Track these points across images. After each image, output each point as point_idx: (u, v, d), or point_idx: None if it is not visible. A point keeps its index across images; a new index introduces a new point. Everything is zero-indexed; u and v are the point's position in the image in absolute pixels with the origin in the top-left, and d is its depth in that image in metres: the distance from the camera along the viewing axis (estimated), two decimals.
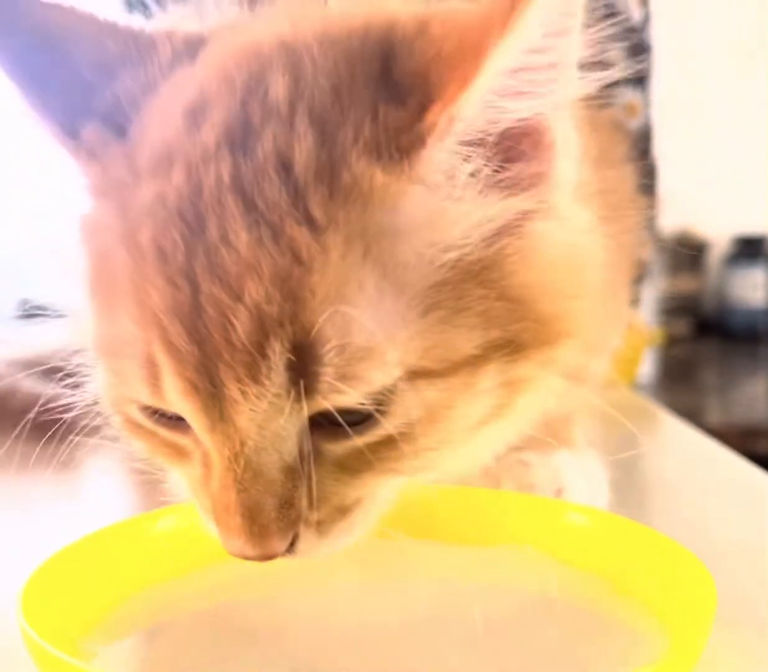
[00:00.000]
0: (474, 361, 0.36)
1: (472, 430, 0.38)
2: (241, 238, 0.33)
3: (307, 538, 0.36)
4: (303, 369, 0.33)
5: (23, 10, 0.40)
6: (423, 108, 0.34)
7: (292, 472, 0.35)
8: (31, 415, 0.43)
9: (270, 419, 0.34)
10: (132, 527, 0.43)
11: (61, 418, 0.41)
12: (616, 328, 0.58)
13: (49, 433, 0.42)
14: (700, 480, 0.62)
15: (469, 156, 0.35)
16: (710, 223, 1.96)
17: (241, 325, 0.33)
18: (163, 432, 0.38)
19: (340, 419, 0.34)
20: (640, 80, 0.76)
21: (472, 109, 0.34)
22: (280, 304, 0.33)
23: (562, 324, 0.38)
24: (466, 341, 0.35)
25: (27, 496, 0.55)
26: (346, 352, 0.33)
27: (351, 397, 0.34)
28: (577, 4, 0.33)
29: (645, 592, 0.40)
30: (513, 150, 0.36)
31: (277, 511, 0.35)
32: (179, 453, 0.38)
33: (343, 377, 0.34)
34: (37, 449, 0.41)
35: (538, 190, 0.37)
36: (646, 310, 1.04)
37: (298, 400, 0.34)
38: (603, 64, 0.36)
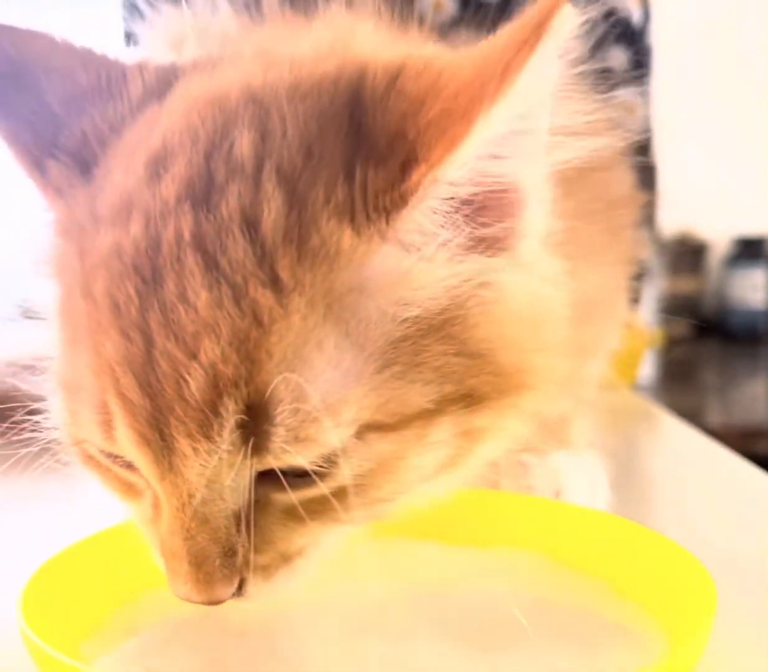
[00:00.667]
0: (427, 415, 0.35)
1: (426, 480, 0.37)
2: (201, 297, 0.33)
3: (254, 583, 0.36)
4: (255, 428, 0.33)
5: None
6: (405, 168, 0.33)
7: (238, 520, 0.35)
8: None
9: (219, 474, 0.34)
10: (132, 530, 0.43)
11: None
12: (613, 330, 0.58)
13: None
14: (700, 481, 0.62)
15: (447, 216, 0.35)
16: (710, 224, 1.96)
17: (195, 383, 0.33)
18: (117, 469, 0.38)
19: (284, 481, 0.34)
20: (639, 80, 0.76)
21: (457, 172, 0.33)
22: (235, 365, 0.33)
23: (522, 376, 0.38)
24: (420, 396, 0.35)
25: (26, 498, 0.55)
26: (299, 414, 0.33)
27: (301, 459, 0.34)
28: (558, 69, 0.33)
29: (645, 594, 0.40)
30: (487, 209, 0.36)
31: (221, 558, 0.35)
32: (131, 490, 0.38)
33: (295, 439, 0.33)
34: (36, 450, 0.41)
35: (509, 245, 0.37)
36: (647, 311, 1.04)
37: (247, 457, 0.33)
38: (591, 132, 0.36)
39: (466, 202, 0.35)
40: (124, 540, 0.42)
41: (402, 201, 0.34)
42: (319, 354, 0.33)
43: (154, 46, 0.56)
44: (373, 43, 0.42)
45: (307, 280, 0.33)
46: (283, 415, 0.33)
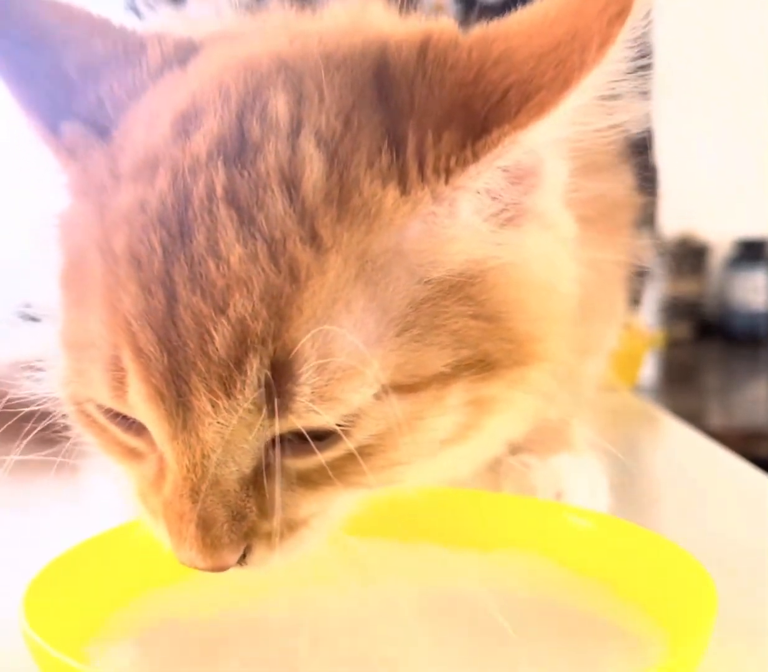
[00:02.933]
0: (443, 378, 0.36)
1: (439, 445, 0.37)
2: (234, 251, 0.33)
3: (259, 551, 0.36)
4: (279, 387, 0.33)
5: (17, 7, 0.40)
6: (482, 129, 0.34)
7: (248, 484, 0.35)
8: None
9: (237, 434, 0.34)
10: (134, 531, 0.43)
11: (61, 420, 0.41)
12: (612, 329, 0.58)
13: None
14: (701, 483, 0.62)
15: (503, 181, 0.36)
16: (712, 226, 1.96)
17: (221, 338, 0.33)
18: (117, 432, 0.37)
19: (309, 439, 0.34)
20: (640, 80, 0.76)
21: (538, 137, 0.34)
22: (265, 320, 0.33)
23: (534, 345, 0.38)
24: (437, 359, 0.35)
25: (28, 500, 0.55)
26: (324, 373, 0.33)
27: (325, 419, 0.34)
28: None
29: (645, 596, 0.40)
30: (525, 176, 0.36)
31: (230, 522, 0.34)
32: (131, 453, 0.38)
33: (320, 398, 0.33)
34: (38, 451, 0.41)
35: (537, 211, 0.37)
36: (648, 313, 1.04)
37: (269, 417, 0.33)
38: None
39: (518, 168, 0.36)
40: (128, 541, 0.42)
41: (474, 157, 0.34)
42: (347, 314, 0.34)
43: None
44: (387, 21, 0.43)
45: (345, 238, 0.34)
46: (308, 374, 0.33)
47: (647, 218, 0.63)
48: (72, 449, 0.40)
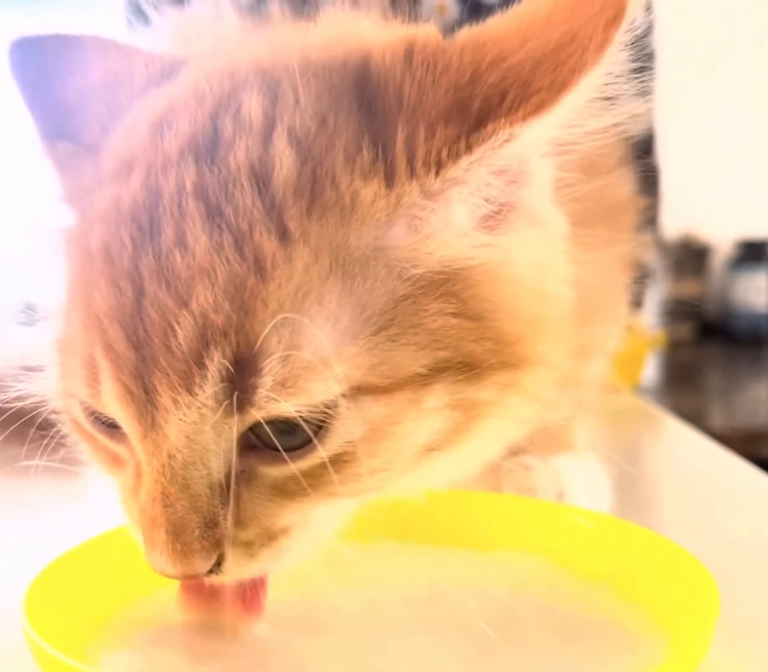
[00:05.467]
0: (420, 380, 0.35)
1: (420, 452, 0.36)
2: (200, 242, 0.33)
3: (234, 559, 0.35)
4: (240, 381, 0.32)
5: (47, 44, 0.43)
6: (477, 123, 0.34)
7: (221, 490, 0.34)
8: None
9: (199, 431, 0.33)
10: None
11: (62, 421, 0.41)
12: (614, 331, 0.58)
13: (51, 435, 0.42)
14: (703, 483, 0.62)
15: (493, 176, 0.35)
16: (713, 226, 1.96)
17: (183, 332, 0.32)
18: (101, 438, 0.38)
19: (274, 440, 0.33)
20: (642, 82, 0.76)
21: (534, 134, 0.34)
22: (227, 313, 0.32)
23: (524, 346, 0.37)
24: (413, 360, 0.35)
25: (30, 500, 0.55)
26: (288, 364, 0.33)
27: (286, 407, 0.33)
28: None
29: (647, 596, 0.40)
30: (514, 172, 0.36)
31: (201, 529, 0.34)
32: (115, 460, 0.38)
33: (281, 386, 0.33)
34: (39, 452, 0.41)
35: (526, 208, 0.37)
36: (650, 314, 1.04)
37: (230, 413, 0.33)
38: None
39: (503, 169, 0.35)
40: (128, 542, 0.42)
41: (467, 149, 0.34)
42: (318, 307, 0.33)
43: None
44: (372, 31, 0.43)
45: (314, 230, 0.34)
46: (270, 365, 0.32)
47: (649, 219, 0.63)
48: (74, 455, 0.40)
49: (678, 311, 1.86)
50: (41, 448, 0.40)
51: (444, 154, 0.34)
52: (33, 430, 0.40)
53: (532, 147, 0.35)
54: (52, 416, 0.40)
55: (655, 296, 1.39)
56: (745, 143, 1.90)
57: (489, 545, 0.45)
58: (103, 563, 0.41)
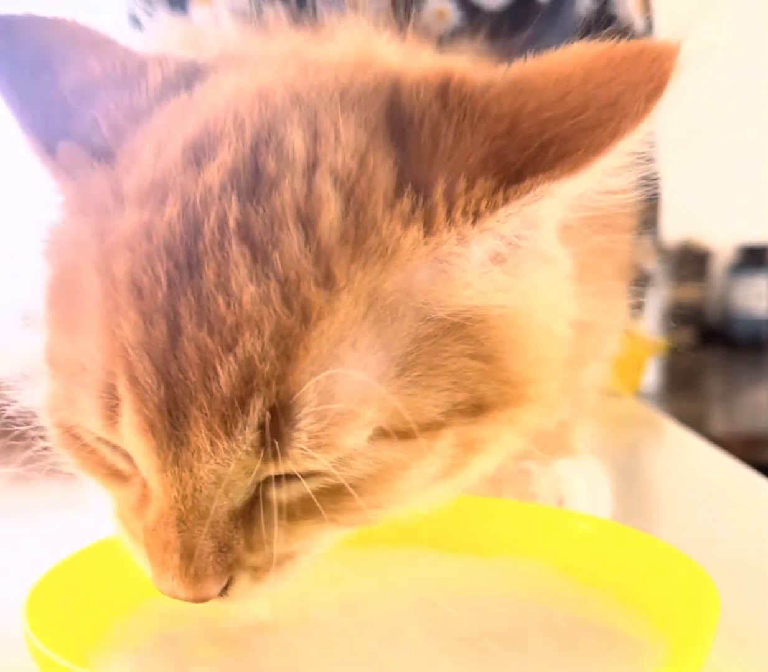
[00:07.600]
0: (436, 426, 0.35)
1: (420, 490, 0.37)
2: (247, 290, 0.32)
3: (242, 583, 0.35)
4: (276, 430, 0.32)
5: (21, 27, 0.40)
6: (516, 177, 0.34)
7: (238, 516, 0.34)
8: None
9: (232, 474, 0.33)
10: None
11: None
12: (613, 337, 0.58)
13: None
14: (704, 488, 0.62)
15: (524, 228, 0.35)
16: (714, 232, 1.96)
17: (226, 377, 0.32)
18: (106, 453, 0.37)
19: (302, 479, 0.34)
20: None
21: (567, 191, 0.34)
22: (272, 361, 0.32)
23: (526, 387, 0.38)
24: (433, 404, 0.35)
25: (31, 505, 0.55)
26: (323, 419, 0.33)
27: (320, 464, 0.33)
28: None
29: (648, 601, 0.40)
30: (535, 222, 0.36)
31: (216, 554, 0.34)
32: (115, 474, 0.37)
33: (317, 445, 0.33)
34: (40, 458, 0.41)
35: (542, 251, 0.37)
36: (650, 320, 1.04)
37: (265, 461, 0.33)
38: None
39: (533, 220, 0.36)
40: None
41: (504, 201, 0.34)
42: (352, 353, 0.33)
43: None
44: (395, 55, 0.42)
45: (359, 278, 0.33)
46: (307, 419, 0.33)
47: (649, 225, 0.63)
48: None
49: (678, 316, 1.86)
50: (42, 453, 0.40)
51: (483, 205, 0.34)
52: (34, 434, 0.40)
53: (562, 202, 0.36)
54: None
55: (656, 302, 1.39)
56: (746, 149, 1.90)
57: (489, 550, 0.45)
58: (105, 568, 0.41)
